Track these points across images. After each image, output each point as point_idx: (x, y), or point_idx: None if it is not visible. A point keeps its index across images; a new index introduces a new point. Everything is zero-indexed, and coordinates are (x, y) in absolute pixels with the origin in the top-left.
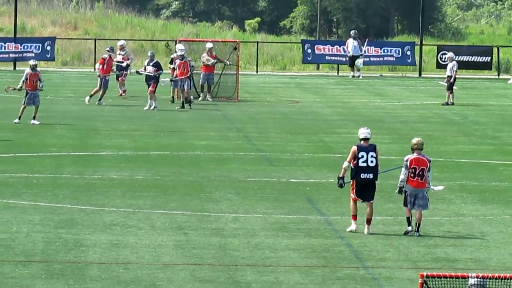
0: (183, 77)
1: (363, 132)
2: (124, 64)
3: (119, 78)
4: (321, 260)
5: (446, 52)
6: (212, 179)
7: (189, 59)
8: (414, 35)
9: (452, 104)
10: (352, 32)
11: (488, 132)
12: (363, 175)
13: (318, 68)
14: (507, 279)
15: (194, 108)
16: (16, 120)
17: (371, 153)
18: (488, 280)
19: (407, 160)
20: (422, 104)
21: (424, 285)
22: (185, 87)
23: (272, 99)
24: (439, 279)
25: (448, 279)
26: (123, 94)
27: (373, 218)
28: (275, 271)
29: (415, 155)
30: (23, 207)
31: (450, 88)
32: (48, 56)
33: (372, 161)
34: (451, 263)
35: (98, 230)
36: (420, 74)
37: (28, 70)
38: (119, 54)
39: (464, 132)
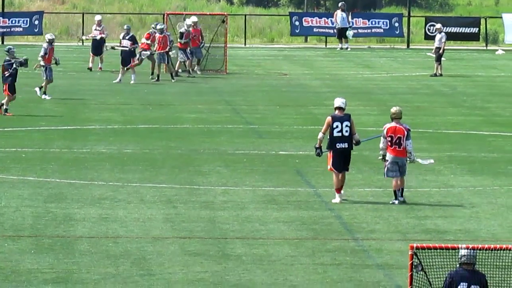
0: (161, 51)
1: (337, 102)
2: (98, 38)
3: (101, 55)
4: (310, 233)
5: (434, 24)
6: (201, 152)
7: (169, 33)
8: (401, 7)
9: (441, 75)
10: (340, 4)
11: (477, 103)
12: (338, 145)
13: (306, 40)
14: (497, 250)
15: (183, 81)
16: (46, 96)
17: (345, 123)
18: (478, 251)
19: (384, 129)
20: (410, 76)
21: (414, 256)
22: (161, 62)
23: (260, 71)
24: (429, 251)
25: (438, 250)
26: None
27: (344, 186)
28: (265, 244)
29: (392, 124)
30: (12, 182)
31: (438, 59)
32: (36, 30)
33: (346, 131)
34: (441, 234)
35: (87, 204)
36: (408, 46)
37: (46, 44)
38: (96, 30)
39: (452, 103)
